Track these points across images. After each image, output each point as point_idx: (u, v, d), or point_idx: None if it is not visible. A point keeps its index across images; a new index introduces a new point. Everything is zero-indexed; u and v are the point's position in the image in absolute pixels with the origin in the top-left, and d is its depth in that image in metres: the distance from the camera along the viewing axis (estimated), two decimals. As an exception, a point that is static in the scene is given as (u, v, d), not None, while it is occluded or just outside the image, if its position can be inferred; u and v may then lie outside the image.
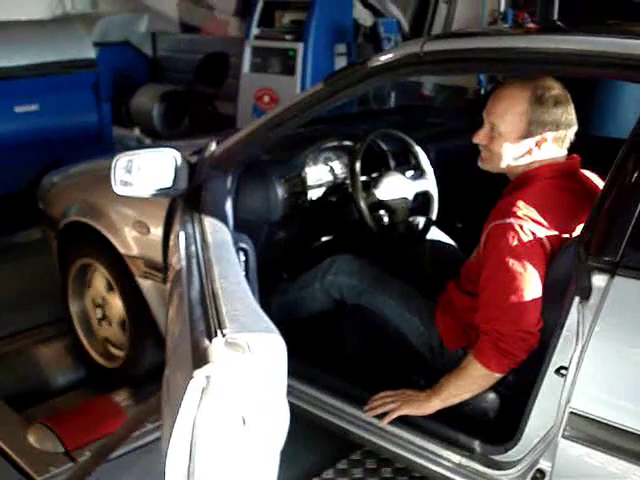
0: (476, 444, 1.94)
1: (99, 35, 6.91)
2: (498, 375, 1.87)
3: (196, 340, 1.21)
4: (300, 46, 5.58)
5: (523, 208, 1.84)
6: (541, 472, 1.77)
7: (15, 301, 3.76)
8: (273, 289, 2.55)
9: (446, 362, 2.13)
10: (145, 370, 2.93)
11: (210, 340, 1.18)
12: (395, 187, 2.64)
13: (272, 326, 1.26)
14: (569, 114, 1.92)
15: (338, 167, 2.78)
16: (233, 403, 1.18)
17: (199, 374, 1.12)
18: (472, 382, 1.92)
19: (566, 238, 1.87)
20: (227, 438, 1.20)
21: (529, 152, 1.95)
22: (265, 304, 2.47)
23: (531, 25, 3.38)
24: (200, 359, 1.14)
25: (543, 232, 1.83)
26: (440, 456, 2.00)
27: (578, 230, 1.85)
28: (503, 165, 2.01)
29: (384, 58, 2.05)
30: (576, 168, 2.02)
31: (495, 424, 1.96)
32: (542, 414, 1.75)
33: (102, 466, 2.37)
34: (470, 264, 2.14)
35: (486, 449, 1.93)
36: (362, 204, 2.55)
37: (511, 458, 1.86)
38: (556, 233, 1.85)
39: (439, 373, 2.05)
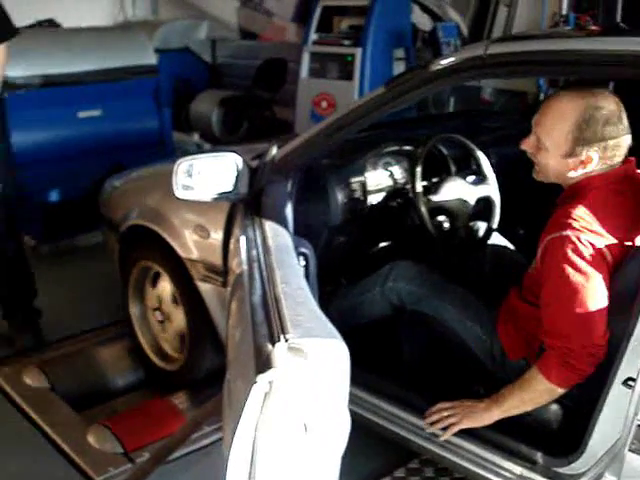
0: (538, 456, 1.90)
1: (160, 42, 7.00)
2: (563, 390, 1.83)
3: (259, 345, 1.20)
4: (358, 51, 5.56)
5: (579, 219, 1.80)
6: (606, 486, 1.72)
7: (76, 303, 3.85)
8: (332, 294, 2.54)
9: (508, 372, 2.09)
10: (204, 373, 2.94)
11: (273, 345, 1.17)
12: (456, 192, 2.61)
13: (335, 332, 1.25)
14: (620, 131, 1.85)
15: (398, 172, 2.76)
16: (295, 409, 1.17)
17: (262, 379, 1.11)
18: (536, 395, 1.87)
19: (629, 245, 1.82)
20: (289, 444, 1.19)
21: (574, 169, 1.90)
22: (324, 309, 2.50)
23: (594, 27, 3.30)
24: (263, 364, 1.14)
25: (602, 242, 1.78)
26: (501, 467, 1.96)
27: None
28: (551, 177, 1.97)
29: (447, 61, 2.02)
30: (633, 172, 1.95)
31: (558, 436, 1.91)
32: (608, 426, 1.70)
33: (160, 468, 2.41)
34: (530, 275, 2.09)
35: (549, 461, 1.89)
36: (422, 209, 2.52)
37: (574, 471, 1.81)
38: (617, 241, 1.80)
39: (500, 382, 2.00)
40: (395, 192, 2.73)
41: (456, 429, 2.00)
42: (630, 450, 1.64)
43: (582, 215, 1.81)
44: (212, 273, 2.66)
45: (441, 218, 2.65)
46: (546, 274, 1.88)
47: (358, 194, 2.62)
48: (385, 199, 2.72)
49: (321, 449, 1.25)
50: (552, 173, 1.96)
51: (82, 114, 4.61)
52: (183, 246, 2.76)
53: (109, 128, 4.71)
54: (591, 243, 1.77)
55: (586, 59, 1.78)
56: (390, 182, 2.74)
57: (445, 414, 2.02)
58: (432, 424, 2.05)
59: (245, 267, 1.67)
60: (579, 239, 1.77)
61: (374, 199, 2.68)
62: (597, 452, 1.73)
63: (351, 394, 2.24)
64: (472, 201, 2.64)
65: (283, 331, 1.21)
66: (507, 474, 1.95)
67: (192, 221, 2.72)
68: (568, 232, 1.79)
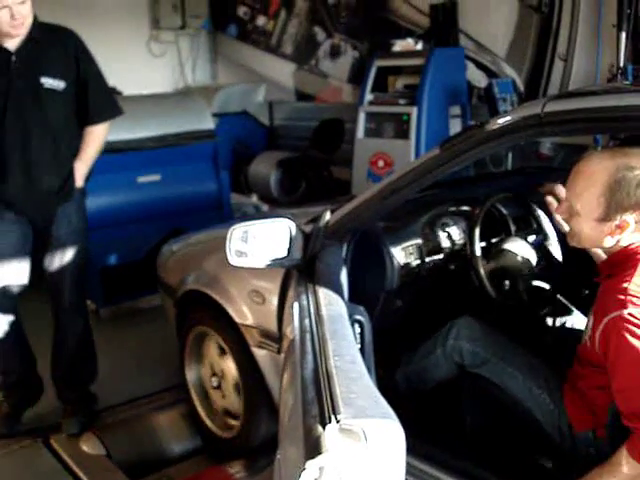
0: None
1: (219, 106, 7.14)
2: None
3: (309, 426, 1.15)
4: (414, 110, 5.55)
5: (634, 292, 1.70)
6: None
7: (134, 366, 3.86)
8: (394, 361, 2.47)
9: (576, 445, 1.98)
10: (260, 441, 2.88)
11: (323, 427, 1.11)
12: (519, 252, 2.53)
13: (390, 411, 1.18)
14: None
15: (456, 233, 2.70)
16: (348, 494, 1.10)
17: (312, 465, 1.05)
18: (628, 477, 1.71)
19: None
20: (342, 532, 1.12)
21: (611, 234, 1.80)
22: (388, 378, 2.43)
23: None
24: (313, 448, 1.08)
25: None
26: None
27: None
28: (586, 245, 1.90)
29: (503, 121, 1.98)
30: None
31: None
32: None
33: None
34: (585, 348, 1.95)
35: None
36: (481, 272, 2.45)
37: None
38: None
39: (568, 455, 1.89)
40: (453, 254, 2.66)
41: None
42: None
43: (636, 286, 1.71)
44: (267, 339, 2.63)
45: (502, 280, 2.57)
46: (613, 357, 1.76)
47: (415, 257, 2.56)
48: (443, 261, 2.65)
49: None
50: (587, 240, 1.87)
51: (142, 179, 4.69)
52: (238, 312, 2.74)
53: (168, 192, 4.79)
54: None
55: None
56: (448, 244, 2.68)
57: None
58: None
59: (297, 337, 1.62)
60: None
61: (432, 261, 2.62)
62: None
63: (412, 466, 2.19)
64: (533, 261, 2.56)
65: (334, 411, 1.15)
66: None
67: (247, 287, 2.70)
68: (630, 309, 1.69)
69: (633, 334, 1.68)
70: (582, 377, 1.98)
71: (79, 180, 3.07)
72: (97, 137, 3.11)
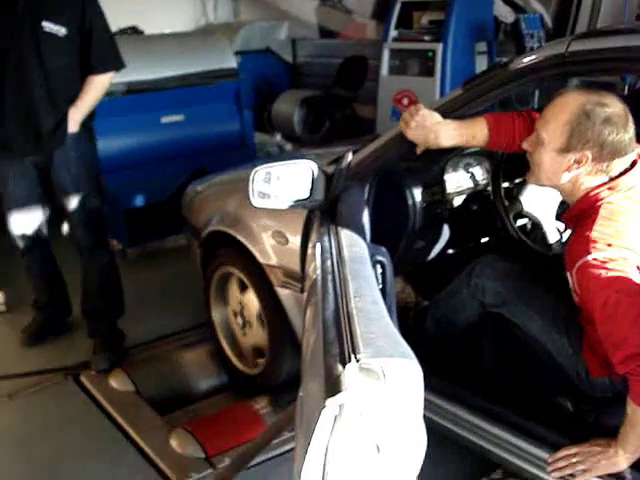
0: (627, 471, 1.82)
1: (241, 43, 7.07)
2: None
3: (329, 365, 1.17)
4: (439, 46, 5.47)
5: (598, 240, 1.72)
6: None
7: (162, 305, 3.92)
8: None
9: (594, 389, 2.01)
10: (284, 378, 2.94)
11: (344, 366, 1.14)
12: (540, 194, 2.52)
13: (409, 350, 1.20)
14: (621, 137, 1.75)
15: (479, 173, 2.69)
16: (367, 431, 1.13)
17: (332, 403, 1.08)
18: None
19: None
20: (361, 466, 1.16)
21: (568, 169, 1.82)
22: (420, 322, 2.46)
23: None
24: (333, 387, 1.10)
25: (628, 253, 1.69)
26: (589, 483, 1.88)
27: None
28: (544, 179, 1.91)
29: (527, 60, 1.96)
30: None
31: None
32: None
33: (241, 473, 2.42)
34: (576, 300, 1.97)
35: (637, 477, 1.80)
36: (504, 213, 2.44)
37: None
38: None
39: (587, 397, 1.91)
40: (476, 194, 2.66)
41: (587, 477, 1.87)
42: None
43: (600, 234, 1.73)
44: (291, 279, 2.66)
45: (525, 221, 2.57)
46: (589, 305, 1.80)
47: (438, 197, 2.56)
48: (465, 202, 2.65)
49: (395, 470, 1.21)
50: (545, 174, 1.89)
51: (165, 119, 4.70)
52: (262, 252, 2.77)
53: (191, 132, 4.80)
54: (615, 257, 1.69)
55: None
56: (471, 184, 2.67)
57: (573, 460, 1.90)
58: (558, 469, 1.93)
59: (319, 278, 1.64)
60: (605, 260, 1.69)
61: (455, 202, 2.62)
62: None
63: (432, 403, 2.24)
64: (557, 202, 2.54)
65: (354, 350, 1.17)
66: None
67: (270, 227, 2.72)
68: (593, 254, 1.71)
69: (599, 277, 1.70)
70: (588, 329, 1.98)
71: (72, 126, 3.10)
72: (96, 87, 3.14)
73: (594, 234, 1.74)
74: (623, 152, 1.80)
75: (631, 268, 1.69)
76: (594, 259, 1.71)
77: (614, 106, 1.77)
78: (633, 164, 1.84)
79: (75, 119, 3.09)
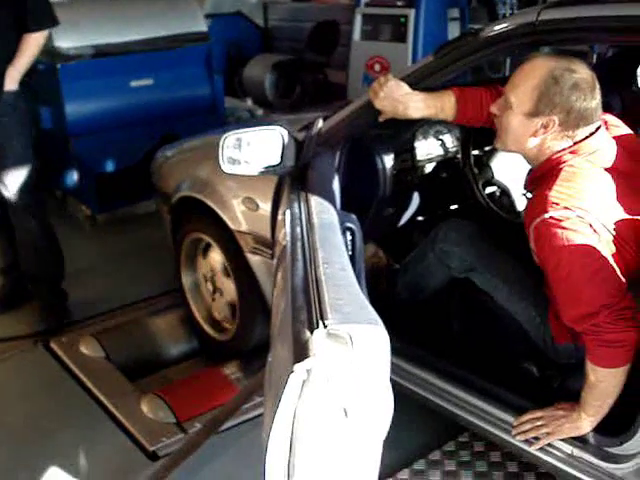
0: (590, 435, 1.86)
1: (211, 6, 6.96)
2: (622, 367, 1.74)
3: (297, 331, 1.19)
4: (412, 12, 5.44)
5: (556, 199, 1.74)
6: (659, 468, 1.67)
7: (131, 271, 3.91)
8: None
9: (559, 355, 2.05)
10: (255, 343, 2.96)
11: (312, 332, 1.15)
12: (509, 162, 2.54)
13: (376, 317, 1.22)
14: (588, 104, 1.78)
15: (449, 141, 2.70)
16: (334, 395, 1.15)
17: (299, 368, 1.10)
18: (606, 386, 1.77)
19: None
20: (328, 430, 1.18)
21: (535, 133, 1.84)
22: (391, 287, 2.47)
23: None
24: (301, 352, 1.12)
25: (584, 214, 1.72)
26: (551, 446, 1.93)
27: None
28: (511, 143, 1.92)
29: (498, 28, 1.96)
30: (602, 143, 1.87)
31: (610, 414, 1.85)
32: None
33: (212, 438, 2.44)
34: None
35: (600, 440, 1.85)
36: (473, 180, 2.46)
37: (627, 451, 1.77)
38: (608, 213, 1.76)
39: (552, 363, 1.95)
40: (446, 162, 2.67)
41: (548, 441, 1.92)
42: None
43: (556, 194, 1.75)
44: (261, 245, 2.66)
45: (493, 189, 2.59)
46: (544, 263, 1.83)
47: (408, 164, 2.57)
48: (436, 169, 2.66)
49: (362, 433, 1.23)
50: (512, 137, 1.90)
51: (134, 83, 4.63)
52: (232, 218, 2.76)
53: (161, 97, 4.73)
54: (571, 216, 1.72)
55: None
56: (441, 151, 2.68)
57: (538, 424, 1.94)
58: (523, 432, 1.98)
59: (289, 245, 1.65)
60: (560, 218, 1.72)
61: (424, 169, 2.63)
62: (650, 434, 1.69)
63: (401, 368, 2.27)
64: (526, 171, 2.56)
65: (322, 316, 1.19)
66: (558, 453, 1.92)
67: (241, 193, 2.71)
68: (550, 213, 1.73)
69: (554, 236, 1.73)
70: (551, 295, 2.00)
71: (10, 84, 3.09)
72: (32, 45, 3.14)
73: (552, 193, 1.76)
74: (589, 119, 1.82)
75: (586, 228, 1.72)
76: (551, 217, 1.73)
77: (582, 72, 1.79)
78: (597, 130, 1.86)
79: (12, 76, 3.09)
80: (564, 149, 1.84)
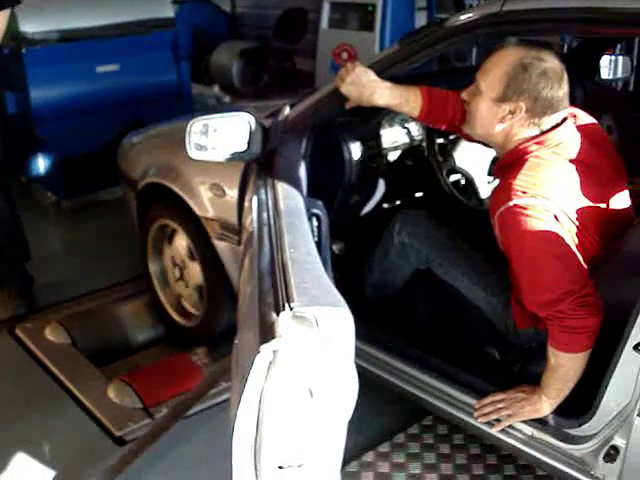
0: (549, 417, 1.91)
1: (179, -8, 6.91)
2: (583, 352, 1.78)
3: (264, 313, 1.21)
4: (379, 1, 5.45)
5: (521, 187, 1.78)
6: (615, 449, 1.73)
7: (97, 258, 3.89)
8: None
9: (521, 340, 2.10)
10: (221, 329, 2.97)
11: (278, 314, 1.18)
12: (473, 150, 2.58)
13: (340, 299, 1.25)
14: (555, 93, 1.83)
15: (415, 129, 2.73)
16: (300, 376, 1.18)
17: (266, 349, 1.12)
18: (567, 370, 1.82)
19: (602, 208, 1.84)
20: (294, 410, 1.21)
21: (502, 119, 1.88)
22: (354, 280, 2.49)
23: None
24: (267, 333, 1.15)
25: (549, 203, 1.77)
26: (512, 427, 1.98)
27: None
28: (478, 128, 1.96)
29: (463, 18, 2.00)
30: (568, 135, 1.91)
31: (569, 398, 1.90)
32: (618, 390, 1.70)
33: (178, 423, 2.46)
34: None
35: (559, 422, 1.90)
36: (438, 168, 2.50)
37: (585, 432, 1.82)
38: (572, 203, 1.81)
39: (514, 347, 1.99)
40: (411, 150, 2.70)
41: (509, 423, 1.97)
42: (639, 415, 1.63)
43: (523, 182, 1.79)
44: (228, 231, 2.67)
45: (458, 176, 2.63)
46: (508, 250, 1.87)
47: (374, 152, 2.60)
48: (401, 157, 2.69)
49: (327, 414, 1.26)
50: (480, 122, 1.94)
51: (100, 69, 4.58)
52: (199, 205, 2.77)
53: (127, 83, 4.69)
54: (535, 205, 1.76)
55: (611, 18, 1.73)
56: (407, 139, 2.71)
57: (499, 406, 1.98)
58: (484, 415, 2.02)
59: (256, 231, 1.67)
60: (525, 205, 1.76)
61: (390, 157, 2.66)
62: (607, 415, 1.74)
63: (366, 352, 2.30)
64: (490, 159, 2.61)
65: (288, 299, 1.21)
66: (518, 434, 1.97)
67: (208, 180, 2.72)
68: (515, 201, 1.77)
69: (519, 224, 1.77)
70: (514, 281, 2.03)
71: None
72: None
73: (517, 182, 1.79)
74: (556, 107, 1.86)
75: (550, 217, 1.76)
76: (515, 205, 1.77)
77: (551, 62, 1.83)
78: (563, 121, 1.90)
79: None
80: (531, 138, 1.88)
